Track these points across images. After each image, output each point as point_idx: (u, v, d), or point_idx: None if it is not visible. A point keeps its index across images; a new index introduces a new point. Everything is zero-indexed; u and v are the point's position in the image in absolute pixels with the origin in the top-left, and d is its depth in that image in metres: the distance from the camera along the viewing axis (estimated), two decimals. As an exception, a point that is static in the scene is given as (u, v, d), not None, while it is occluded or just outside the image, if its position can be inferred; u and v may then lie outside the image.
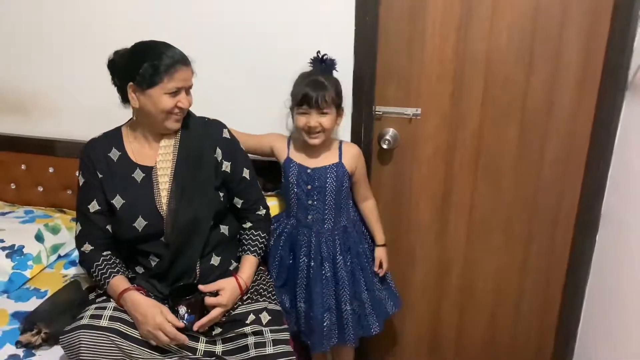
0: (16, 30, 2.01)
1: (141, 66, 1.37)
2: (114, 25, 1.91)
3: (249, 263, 1.56)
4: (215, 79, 1.84)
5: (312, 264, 1.70)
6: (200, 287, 1.45)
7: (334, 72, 1.70)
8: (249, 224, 1.61)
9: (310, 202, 1.70)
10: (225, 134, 1.57)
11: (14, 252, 1.78)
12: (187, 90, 1.45)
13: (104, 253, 1.49)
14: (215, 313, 1.42)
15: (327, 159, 1.70)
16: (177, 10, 1.85)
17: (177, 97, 1.41)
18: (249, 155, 1.66)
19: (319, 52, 1.67)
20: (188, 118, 1.52)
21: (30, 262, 1.78)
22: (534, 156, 1.83)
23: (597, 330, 1.81)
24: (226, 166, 1.55)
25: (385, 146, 1.88)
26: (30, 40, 2.01)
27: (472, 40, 1.74)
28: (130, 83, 1.40)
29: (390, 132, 1.89)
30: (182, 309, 1.40)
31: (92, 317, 1.36)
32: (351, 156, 1.72)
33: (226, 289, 1.46)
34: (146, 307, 1.37)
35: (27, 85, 2.08)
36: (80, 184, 1.50)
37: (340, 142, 1.74)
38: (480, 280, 2.01)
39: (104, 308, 1.39)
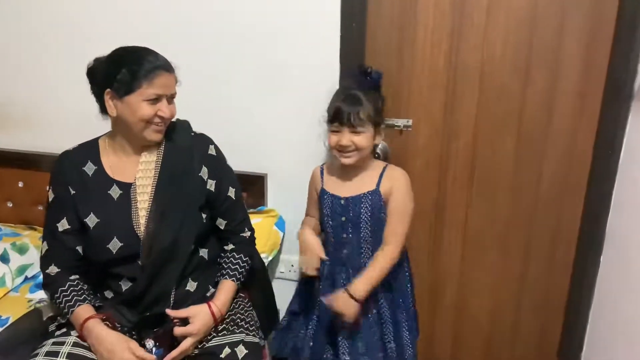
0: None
1: (119, 71, 1.27)
2: (94, 35, 1.81)
3: (225, 288, 1.45)
4: (208, 89, 1.78)
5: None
6: (169, 311, 1.35)
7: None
8: (231, 246, 1.50)
9: (344, 235, 1.53)
10: (211, 151, 1.46)
11: (-24, 274, 1.66)
12: (170, 98, 1.34)
13: (71, 277, 1.38)
14: (185, 345, 1.32)
15: (363, 185, 1.51)
16: (164, 20, 1.77)
17: (157, 105, 1.31)
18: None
19: (362, 65, 1.54)
20: (174, 131, 1.42)
21: (-7, 286, 1.67)
22: (532, 170, 1.74)
23: (601, 357, 1.71)
24: (210, 185, 1.44)
25: (375, 159, 1.77)
26: (4, 51, 1.92)
27: (465, 49, 1.66)
28: (108, 89, 1.29)
29: (379, 145, 1.78)
30: (150, 343, 1.30)
31: (48, 354, 1.25)
32: (390, 182, 1.50)
33: (197, 317, 1.35)
34: (113, 342, 1.27)
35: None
36: (50, 200, 1.39)
37: (385, 167, 1.54)
38: (476, 299, 1.92)
39: (62, 344, 1.28)
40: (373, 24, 1.67)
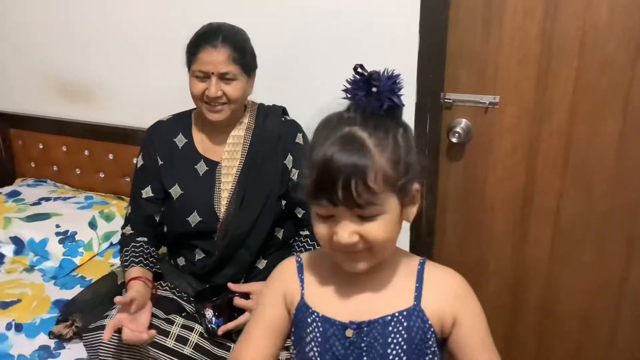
0: (82, 21, 2.03)
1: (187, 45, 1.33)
2: (172, 16, 1.85)
3: None
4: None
5: None
6: (230, 285, 1.36)
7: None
8: (306, 232, 1.49)
9: None
10: (298, 139, 1.45)
11: (67, 237, 1.79)
12: (224, 77, 1.30)
13: (138, 239, 1.43)
14: (244, 319, 1.31)
15: (387, 297, 0.85)
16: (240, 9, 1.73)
17: (206, 83, 1.30)
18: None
19: (359, 66, 0.80)
20: (266, 116, 1.43)
21: (81, 249, 1.78)
22: (639, 157, 1.51)
23: None
24: (294, 174, 1.43)
25: (455, 140, 1.64)
26: (94, 29, 2.02)
27: (563, 15, 1.47)
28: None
29: (462, 124, 1.66)
30: (209, 313, 1.31)
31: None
32: (444, 297, 0.84)
33: (258, 294, 1.33)
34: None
35: (90, 74, 2.10)
36: (138, 167, 1.45)
37: (422, 265, 0.87)
38: (565, 302, 1.71)
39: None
40: (457, -9, 1.53)
